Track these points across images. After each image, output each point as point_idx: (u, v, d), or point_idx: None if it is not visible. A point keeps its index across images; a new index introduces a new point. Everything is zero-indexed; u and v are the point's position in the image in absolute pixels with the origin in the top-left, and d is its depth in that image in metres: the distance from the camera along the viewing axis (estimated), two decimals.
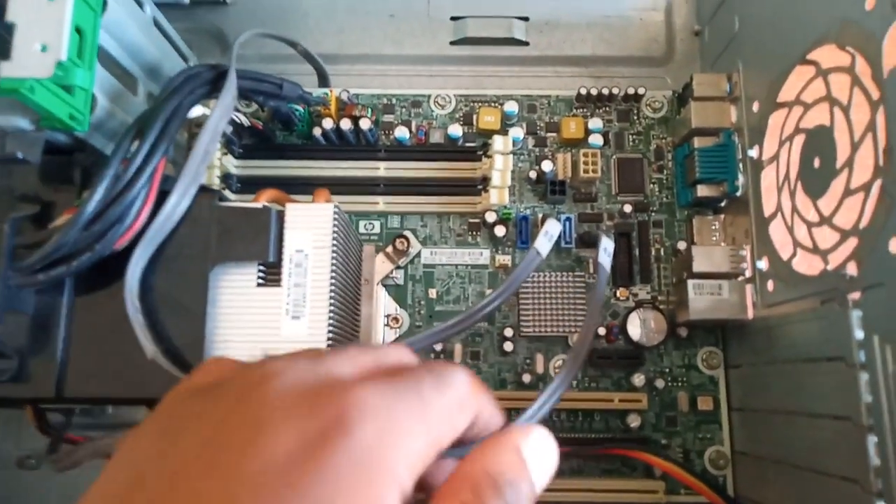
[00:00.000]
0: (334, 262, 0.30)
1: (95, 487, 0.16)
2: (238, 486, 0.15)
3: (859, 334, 0.26)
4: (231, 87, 0.33)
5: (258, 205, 0.31)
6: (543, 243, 0.36)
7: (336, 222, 0.31)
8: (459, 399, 0.18)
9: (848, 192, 0.28)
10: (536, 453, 0.19)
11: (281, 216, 0.31)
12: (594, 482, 0.37)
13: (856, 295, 0.27)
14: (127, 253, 0.28)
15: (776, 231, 0.34)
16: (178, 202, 0.30)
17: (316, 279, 0.30)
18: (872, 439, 0.25)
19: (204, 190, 0.30)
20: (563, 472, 0.38)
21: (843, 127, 0.28)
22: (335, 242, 0.30)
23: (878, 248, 0.25)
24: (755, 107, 0.36)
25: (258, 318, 0.30)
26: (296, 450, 0.15)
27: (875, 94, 0.26)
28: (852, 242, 0.27)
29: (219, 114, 0.32)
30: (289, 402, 0.16)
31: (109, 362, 0.29)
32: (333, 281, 0.30)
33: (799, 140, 0.32)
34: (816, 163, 0.30)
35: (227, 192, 0.39)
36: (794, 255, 0.32)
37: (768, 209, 0.35)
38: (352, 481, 0.15)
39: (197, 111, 0.36)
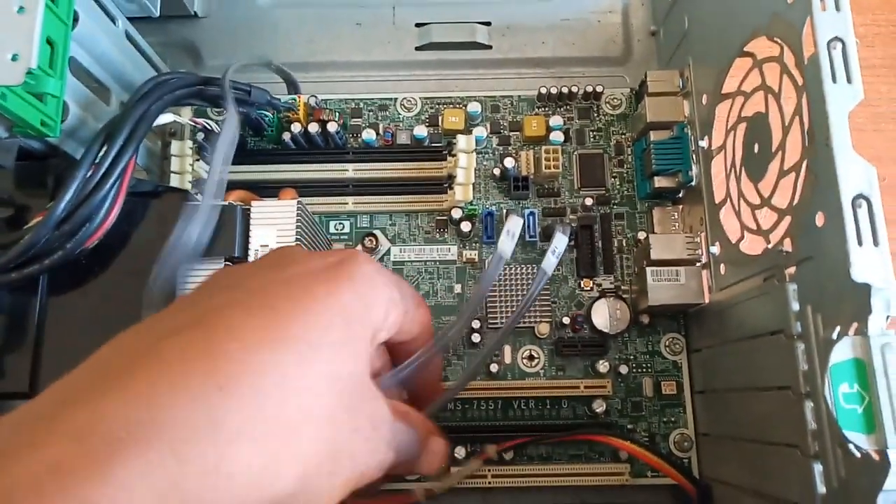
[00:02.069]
0: None
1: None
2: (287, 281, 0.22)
3: (795, 306, 0.28)
4: (232, 119, 0.34)
5: (224, 202, 0.32)
6: (506, 243, 0.34)
7: (299, 217, 0.32)
8: (415, 302, 0.27)
9: (782, 174, 0.29)
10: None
11: (246, 213, 0.32)
12: (562, 467, 0.38)
13: (791, 269, 0.28)
14: (97, 252, 0.30)
15: (726, 216, 0.36)
16: (195, 227, 0.30)
17: None
18: (809, 405, 0.26)
19: (172, 190, 0.32)
20: (533, 459, 0.39)
21: (776, 113, 0.30)
22: (298, 237, 0.32)
23: (808, 223, 0.26)
24: (704, 99, 0.38)
25: None
26: (323, 266, 0.23)
27: (800, 81, 0.27)
28: (787, 220, 0.29)
29: (226, 134, 0.33)
30: (313, 253, 0.25)
31: (82, 359, 0.30)
32: None
33: (741, 128, 0.34)
34: (756, 148, 0.32)
35: (199, 196, 0.41)
36: (741, 237, 0.34)
37: (718, 196, 0.36)
38: (359, 286, 0.23)
39: (167, 118, 0.37)
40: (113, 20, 0.38)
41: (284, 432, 0.19)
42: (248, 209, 0.32)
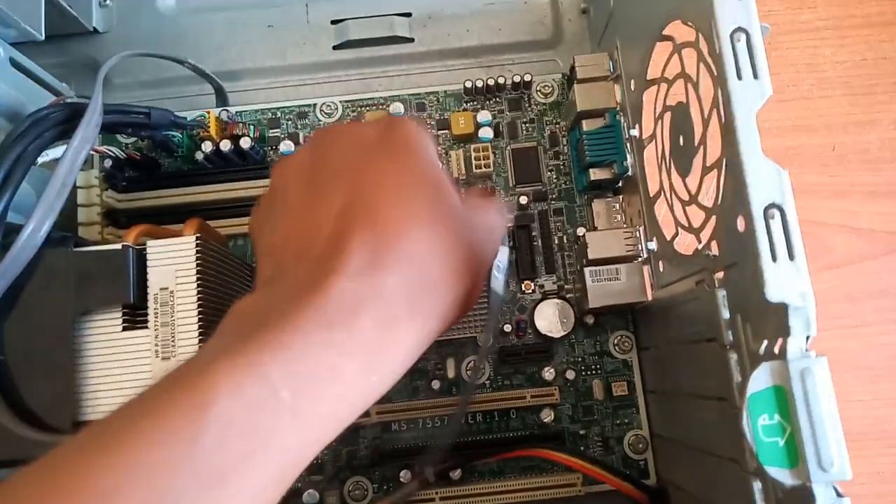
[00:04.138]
0: (201, 295, 0.29)
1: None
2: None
3: (725, 314, 0.26)
4: (92, 116, 0.32)
5: (116, 246, 0.30)
6: (497, 281, 0.28)
7: (199, 254, 0.30)
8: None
9: (705, 170, 0.27)
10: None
11: (141, 255, 0.30)
12: (513, 482, 0.37)
13: (720, 274, 0.26)
14: None
15: (661, 210, 0.33)
16: (34, 235, 0.29)
17: (183, 316, 0.29)
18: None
19: (58, 240, 0.29)
20: (484, 475, 0.38)
21: (696, 103, 0.28)
22: (200, 275, 0.30)
23: (731, 226, 0.24)
24: (632, 85, 0.35)
25: (126, 362, 0.29)
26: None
27: (716, 70, 0.25)
28: (713, 221, 0.27)
29: (77, 144, 0.31)
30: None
31: None
32: (202, 315, 0.29)
33: (667, 117, 0.32)
34: (681, 140, 0.30)
35: (110, 229, 0.38)
36: (676, 234, 0.32)
37: (653, 188, 0.34)
38: (418, 147, 0.25)
39: (62, 151, 0.34)
40: None
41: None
42: (143, 250, 0.30)
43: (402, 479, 0.37)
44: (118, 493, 0.16)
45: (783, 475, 0.19)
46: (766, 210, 0.20)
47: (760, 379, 0.20)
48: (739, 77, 0.21)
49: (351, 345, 0.20)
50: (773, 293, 0.20)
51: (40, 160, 0.31)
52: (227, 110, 0.40)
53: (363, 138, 0.25)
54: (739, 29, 0.21)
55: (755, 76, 0.21)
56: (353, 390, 0.20)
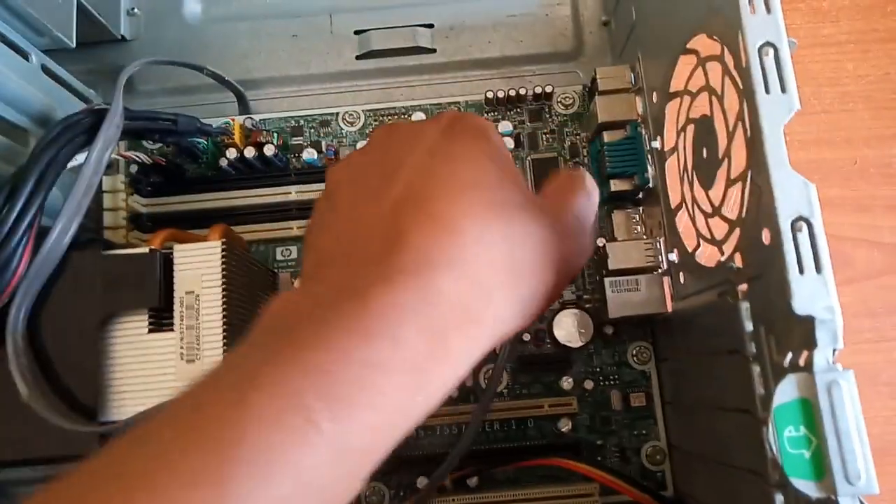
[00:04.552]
0: (226, 300, 0.30)
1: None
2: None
3: (748, 326, 0.26)
4: (113, 117, 0.32)
5: (144, 250, 0.30)
6: None
7: (225, 259, 0.30)
8: None
9: (730, 182, 0.27)
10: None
11: (168, 259, 0.30)
12: (530, 491, 0.36)
13: (743, 286, 0.26)
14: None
15: (682, 222, 0.34)
16: (62, 236, 0.29)
17: (208, 320, 0.30)
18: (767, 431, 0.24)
19: (86, 243, 0.30)
20: (501, 483, 0.38)
21: (720, 116, 0.28)
22: (225, 280, 0.30)
23: (755, 239, 0.25)
24: (654, 97, 0.35)
25: (152, 365, 0.29)
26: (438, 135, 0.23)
27: (741, 84, 0.25)
28: (737, 233, 0.27)
29: (101, 145, 0.32)
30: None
31: None
32: (226, 319, 0.30)
33: (690, 130, 0.32)
34: (704, 153, 0.30)
35: (135, 233, 0.39)
36: (697, 246, 0.32)
37: (674, 200, 0.34)
38: (479, 141, 0.23)
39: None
40: (25, 56, 0.36)
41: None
42: (170, 254, 0.30)
43: (418, 486, 0.37)
44: None
45: (809, 488, 0.19)
46: (793, 223, 0.20)
47: (786, 391, 0.20)
48: (767, 91, 0.21)
49: (395, 360, 0.18)
50: (801, 306, 0.20)
51: (70, 164, 0.32)
52: (251, 118, 0.41)
53: (423, 136, 0.23)
54: (768, 43, 0.21)
55: (783, 90, 0.21)
56: (395, 411, 0.18)
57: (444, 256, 0.19)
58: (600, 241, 0.40)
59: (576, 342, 0.38)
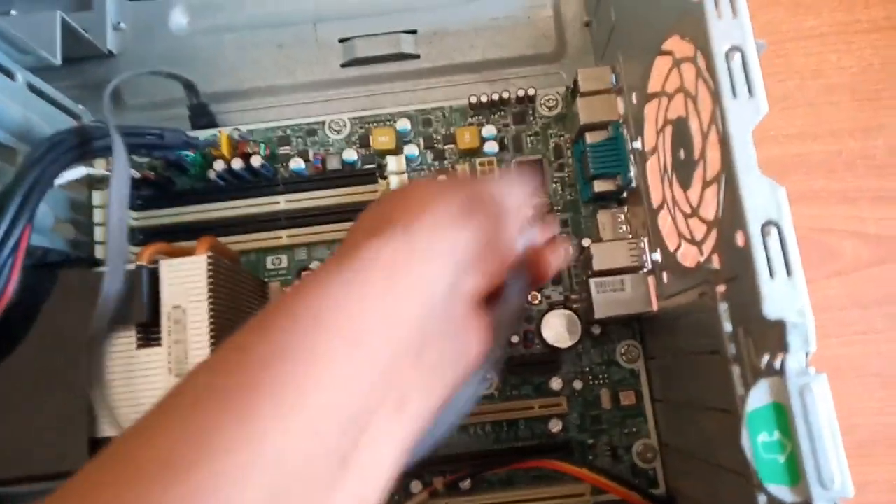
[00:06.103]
0: (213, 313, 0.30)
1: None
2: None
3: (728, 327, 0.26)
4: (119, 147, 0.33)
5: (130, 266, 0.30)
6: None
7: (211, 273, 0.31)
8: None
9: (706, 184, 0.27)
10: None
11: (154, 274, 0.31)
12: (523, 492, 0.37)
13: (722, 287, 0.27)
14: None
15: (664, 222, 0.34)
16: (112, 284, 0.29)
17: (195, 333, 0.30)
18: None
19: (81, 260, 0.30)
20: (493, 485, 0.38)
21: (695, 118, 0.28)
22: (212, 293, 0.30)
23: (731, 240, 0.25)
24: (634, 98, 0.36)
25: (141, 380, 0.30)
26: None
27: (713, 85, 0.25)
28: (714, 234, 0.27)
29: (118, 181, 0.32)
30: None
31: None
32: (214, 332, 0.30)
33: (668, 131, 0.32)
34: (682, 154, 0.30)
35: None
36: (679, 246, 0.32)
37: (656, 200, 0.34)
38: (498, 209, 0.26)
39: (78, 173, 0.35)
40: (10, 75, 0.37)
41: None
42: (157, 269, 0.31)
43: (412, 491, 0.37)
44: None
45: (784, 493, 0.19)
46: (762, 227, 0.21)
47: (759, 396, 0.20)
48: (735, 95, 0.21)
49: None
50: (771, 310, 0.20)
51: (57, 182, 0.32)
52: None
53: (446, 204, 0.24)
54: (734, 48, 0.22)
55: (750, 94, 0.21)
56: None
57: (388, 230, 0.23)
58: (585, 242, 0.40)
59: (564, 343, 0.39)
